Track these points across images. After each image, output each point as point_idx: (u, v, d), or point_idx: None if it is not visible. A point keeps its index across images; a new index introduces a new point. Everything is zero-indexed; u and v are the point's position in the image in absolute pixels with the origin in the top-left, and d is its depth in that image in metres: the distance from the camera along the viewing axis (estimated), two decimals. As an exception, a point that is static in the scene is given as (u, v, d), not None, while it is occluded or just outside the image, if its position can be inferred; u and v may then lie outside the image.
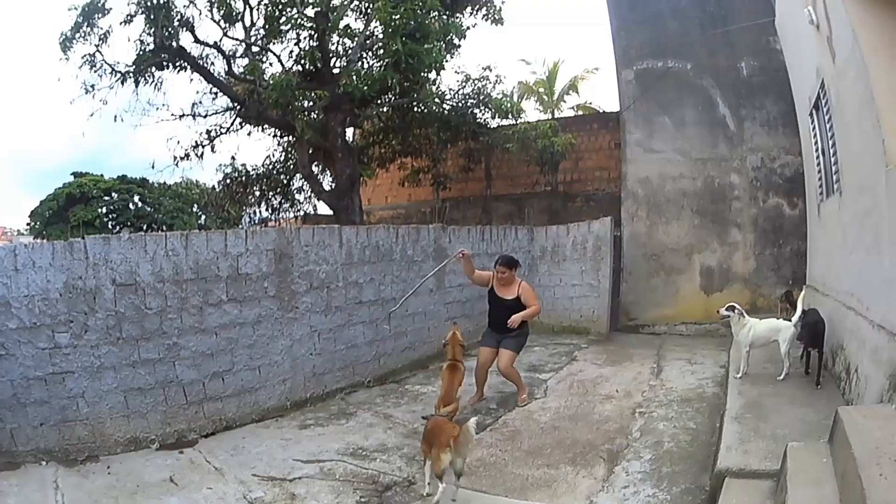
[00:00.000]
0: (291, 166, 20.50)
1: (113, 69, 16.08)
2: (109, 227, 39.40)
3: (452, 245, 13.66)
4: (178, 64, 16.58)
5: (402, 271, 12.15)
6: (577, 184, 21.59)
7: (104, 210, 41.12)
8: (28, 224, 43.33)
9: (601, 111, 26.83)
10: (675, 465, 7.24)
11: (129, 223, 39.84)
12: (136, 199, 42.41)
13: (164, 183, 36.17)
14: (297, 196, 21.96)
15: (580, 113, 28.78)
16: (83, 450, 7.45)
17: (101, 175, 41.33)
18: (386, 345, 11.71)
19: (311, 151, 18.07)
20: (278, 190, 21.56)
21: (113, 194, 41.64)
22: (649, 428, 8.56)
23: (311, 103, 17.64)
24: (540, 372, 11.89)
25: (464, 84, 18.94)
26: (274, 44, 17.22)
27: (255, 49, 17.19)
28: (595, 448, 7.86)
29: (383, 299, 11.59)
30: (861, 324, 7.41)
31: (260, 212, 22.23)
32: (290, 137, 18.67)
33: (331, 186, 18.52)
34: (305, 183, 20.17)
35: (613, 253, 16.01)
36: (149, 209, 41.61)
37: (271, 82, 15.26)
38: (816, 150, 11.29)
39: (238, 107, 17.85)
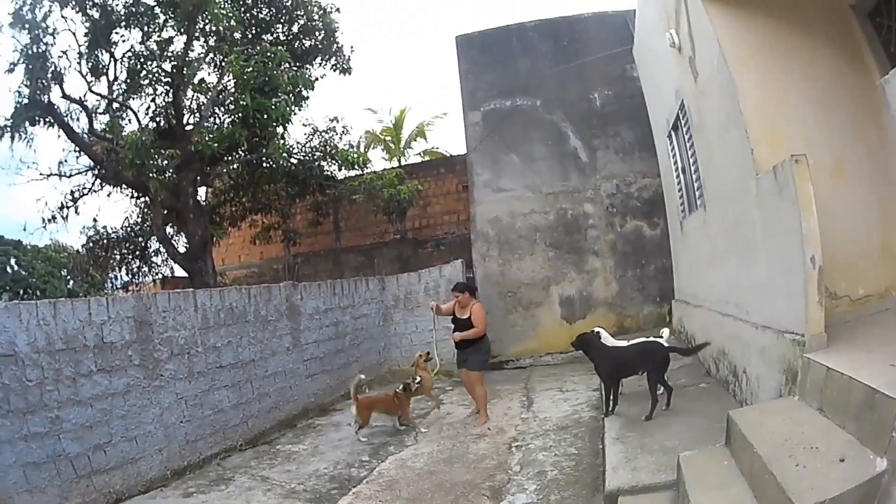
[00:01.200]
0: (148, 228, 19.81)
1: None
2: None
3: (304, 302, 13.54)
4: (47, 120, 16.01)
5: (257, 332, 11.83)
6: (426, 229, 21.73)
7: None
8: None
9: (448, 155, 26.91)
10: (562, 491, 7.15)
11: (7, 287, 38.33)
12: (12, 262, 40.99)
13: (36, 246, 34.88)
14: (154, 259, 21.28)
15: (427, 158, 28.74)
16: (5, 528, 7.10)
17: None
18: (251, 407, 11.38)
19: (164, 213, 17.60)
20: (136, 253, 20.88)
21: None
22: (529, 460, 8.46)
23: (165, 162, 17.08)
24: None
25: (311, 137, 18.85)
26: (133, 99, 16.87)
27: (115, 105, 16.71)
28: (476, 487, 7.72)
29: (242, 361, 11.31)
30: (742, 328, 7.50)
31: (121, 276, 21.49)
32: (146, 198, 18.13)
33: (185, 248, 18.02)
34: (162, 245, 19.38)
35: (467, 296, 15.97)
36: (24, 273, 40.09)
37: (127, 141, 14.78)
38: (676, 169, 11.61)
39: (97, 167, 17.36)
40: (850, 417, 4.35)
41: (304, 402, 12.87)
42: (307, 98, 17.14)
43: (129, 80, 16.18)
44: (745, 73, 6.75)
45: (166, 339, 9.58)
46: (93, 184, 18.41)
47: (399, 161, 27.85)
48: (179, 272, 19.65)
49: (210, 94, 16.95)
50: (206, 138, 15.57)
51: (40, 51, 14.57)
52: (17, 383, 7.43)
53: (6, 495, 7.13)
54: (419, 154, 30.09)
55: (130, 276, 21.15)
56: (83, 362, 8.22)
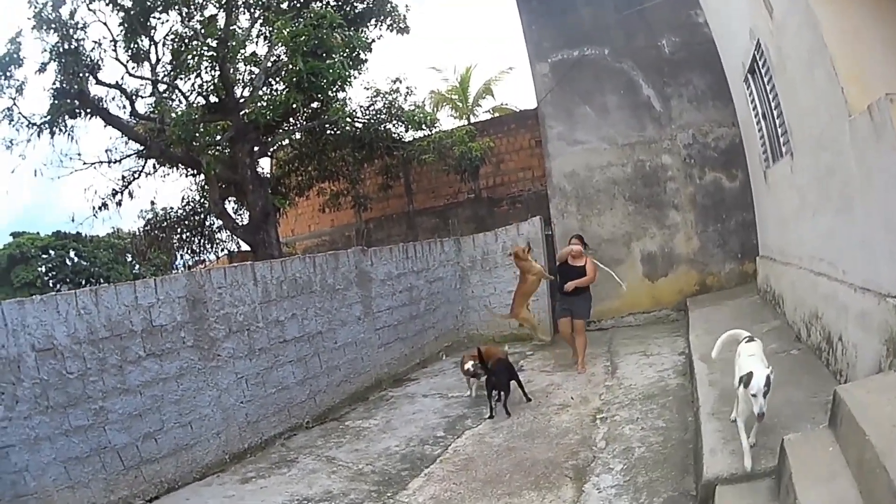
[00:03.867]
0: (208, 205, 19.70)
1: (29, 122, 15.49)
2: (50, 285, 38.83)
3: (375, 268, 13.17)
4: (86, 111, 15.92)
5: (324, 302, 11.44)
6: (500, 187, 20.97)
7: (43, 269, 40.84)
8: (-26, 289, 41.74)
9: (518, 110, 26.31)
10: (650, 472, 6.62)
11: (67, 279, 39.49)
12: (72, 254, 42.74)
13: (98, 235, 35.44)
14: (218, 235, 21.26)
15: (497, 115, 28.29)
16: (43, 524, 6.96)
17: (38, 233, 40.90)
18: (319, 381, 11.01)
19: (222, 187, 17.42)
20: (198, 231, 20.84)
21: (50, 252, 41.98)
22: (614, 434, 7.93)
23: (217, 136, 16.85)
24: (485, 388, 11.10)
25: (374, 99, 18.43)
26: (181, 80, 16.73)
27: (162, 87, 16.69)
28: (558, 466, 7.20)
29: (308, 334, 10.93)
30: (838, 289, 6.79)
31: (184, 256, 21.59)
32: (202, 175, 17.92)
33: (248, 221, 17.78)
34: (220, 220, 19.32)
35: (547, 252, 15.49)
36: (85, 264, 41.10)
37: (173, 119, 14.58)
38: (756, 115, 10.84)
39: (145, 149, 17.17)
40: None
41: (376, 374, 12.50)
42: (366, 61, 16.88)
43: (174, 62, 16.08)
44: (825, 5, 6.09)
45: (223, 316, 9.26)
46: (143, 166, 18.43)
47: (468, 119, 27.42)
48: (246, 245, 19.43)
49: (261, 64, 16.61)
50: (259, 108, 15.12)
51: (72, 47, 14.52)
52: (56, 377, 7.23)
53: (44, 493, 6.95)
54: (488, 111, 29.92)
55: (192, 254, 21.19)
56: (130, 348, 7.99)
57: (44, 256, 41.22)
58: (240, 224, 17.94)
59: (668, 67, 15.83)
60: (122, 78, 16.14)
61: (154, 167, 18.57)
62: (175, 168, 18.82)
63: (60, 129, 15.84)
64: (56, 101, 15.23)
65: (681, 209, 15.62)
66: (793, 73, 7.67)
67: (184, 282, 8.87)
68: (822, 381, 6.50)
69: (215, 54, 15.18)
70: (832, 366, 6.91)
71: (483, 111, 29.96)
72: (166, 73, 16.53)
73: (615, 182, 16.04)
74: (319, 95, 15.55)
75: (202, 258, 21.55)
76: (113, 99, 16.44)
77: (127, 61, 15.92)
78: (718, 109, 14.97)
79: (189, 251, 21.14)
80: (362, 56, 16.45)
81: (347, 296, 12.06)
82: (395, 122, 18.29)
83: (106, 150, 17.79)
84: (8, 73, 14.67)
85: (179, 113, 14.96)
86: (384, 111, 18.24)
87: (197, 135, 15.00)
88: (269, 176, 19.45)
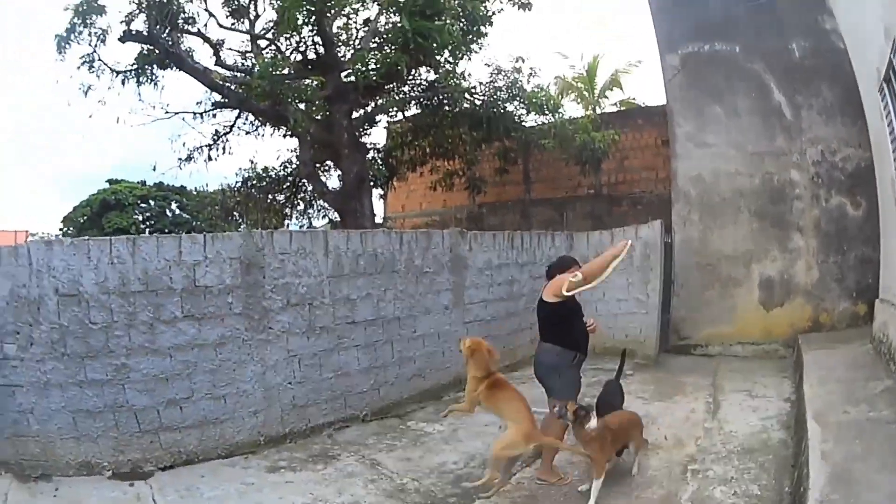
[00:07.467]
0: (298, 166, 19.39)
1: (112, 69, 15.41)
2: (147, 233, 39.45)
3: (473, 254, 12.10)
4: (169, 61, 15.72)
5: (407, 285, 10.45)
6: (622, 185, 20.22)
7: (141, 217, 42.61)
8: (61, 230, 43.23)
9: (645, 105, 25.44)
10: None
11: (165, 230, 39.98)
12: (173, 205, 43.66)
13: (206, 190, 36.34)
14: (320, 201, 20.57)
15: (622, 109, 27.57)
16: (36, 467, 7.00)
17: (138, 182, 42.51)
18: (388, 372, 10.08)
19: (315, 148, 16.96)
20: (293, 194, 20.47)
21: (150, 202, 43.26)
22: (703, 496, 6.56)
23: (310, 94, 16.29)
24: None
25: (495, 77, 17.64)
26: (286, 37, 16.69)
27: (263, 43, 16.82)
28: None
29: (384, 318, 9.99)
30: None
31: (291, 219, 21.14)
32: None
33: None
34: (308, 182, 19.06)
35: (664, 262, 14.21)
36: (187, 216, 41.80)
37: (259, 68, 14.30)
38: (891, 131, 9.21)
39: (224, 99, 17.01)
40: None
41: (457, 371, 11.05)
42: (485, 34, 16.30)
43: (278, 20, 15.88)
44: None
45: (282, 286, 8.59)
46: (233, 122, 18.32)
47: (594, 111, 26.44)
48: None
49: (370, 25, 16.22)
50: (361, 67, 14.55)
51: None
52: (77, 325, 7.07)
53: (46, 438, 7.02)
54: (614, 104, 29.04)
55: (297, 218, 20.99)
56: (165, 307, 7.60)
57: (142, 205, 42.42)
58: (327, 189, 17.60)
59: (799, 74, 14.47)
60: (206, 26, 16.22)
61: (252, 124, 18.45)
62: (264, 125, 18.57)
63: (148, 79, 15.74)
64: (143, 52, 15.22)
65: (804, 233, 14.18)
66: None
67: (238, 242, 8.27)
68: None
69: (314, 7, 14.61)
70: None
71: (609, 104, 29.32)
72: (267, 30, 16.60)
73: (741, 193, 14.67)
74: (429, 61, 15.14)
75: (309, 223, 21.14)
76: (211, 57, 16.61)
77: (227, 16, 16.19)
78: (846, 127, 13.67)
79: (290, 214, 20.82)
80: (482, 29, 15.90)
81: (436, 281, 11.13)
82: (515, 103, 17.49)
83: (197, 103, 17.83)
84: (88, 21, 14.35)
85: (263, 62, 14.67)
86: (504, 90, 17.45)
87: (283, 90, 14.42)
88: (372, 144, 19.22)
